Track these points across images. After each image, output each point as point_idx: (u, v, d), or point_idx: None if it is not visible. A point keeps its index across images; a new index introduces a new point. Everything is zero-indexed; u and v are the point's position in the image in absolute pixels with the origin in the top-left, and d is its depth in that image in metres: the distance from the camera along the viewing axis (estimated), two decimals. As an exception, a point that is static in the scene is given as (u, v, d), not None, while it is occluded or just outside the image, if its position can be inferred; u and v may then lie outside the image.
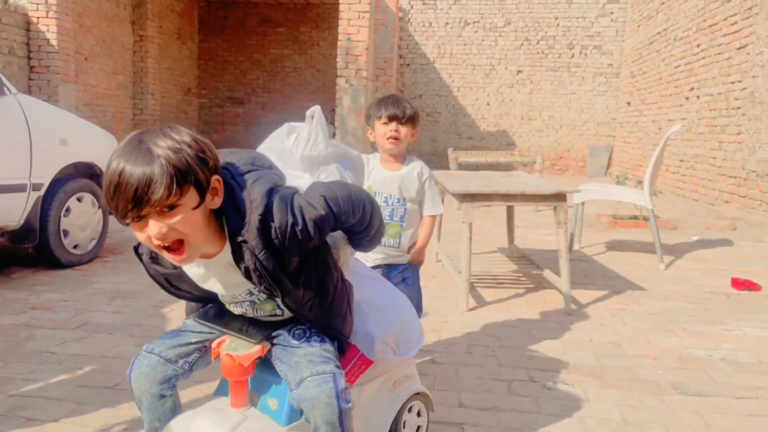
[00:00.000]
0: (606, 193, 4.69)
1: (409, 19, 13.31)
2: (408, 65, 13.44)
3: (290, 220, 1.14)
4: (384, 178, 2.17)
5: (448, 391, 2.21)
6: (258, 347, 1.27)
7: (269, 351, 1.31)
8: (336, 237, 1.41)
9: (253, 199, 1.13)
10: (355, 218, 1.28)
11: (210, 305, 1.42)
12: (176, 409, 1.38)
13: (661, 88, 9.84)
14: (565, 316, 3.13)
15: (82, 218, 3.98)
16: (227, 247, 1.17)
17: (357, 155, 1.67)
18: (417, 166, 2.21)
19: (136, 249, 1.29)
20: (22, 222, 3.61)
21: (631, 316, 3.16)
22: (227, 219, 1.14)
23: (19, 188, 3.52)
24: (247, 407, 1.32)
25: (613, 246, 5.08)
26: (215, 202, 1.12)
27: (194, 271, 1.27)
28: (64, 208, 3.84)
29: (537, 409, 2.08)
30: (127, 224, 1.07)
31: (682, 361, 2.56)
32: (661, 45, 9.97)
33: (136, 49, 11.66)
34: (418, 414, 1.70)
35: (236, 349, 1.26)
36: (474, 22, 13.13)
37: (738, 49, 7.06)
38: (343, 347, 1.39)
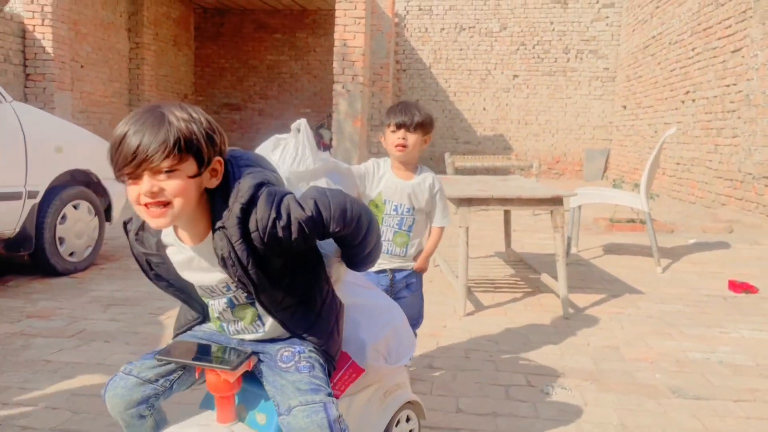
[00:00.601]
0: (603, 196, 4.70)
1: (405, 24, 13.35)
2: (404, 70, 13.47)
3: (273, 215, 1.14)
4: (396, 187, 2.14)
5: (446, 396, 2.20)
6: (245, 362, 1.22)
7: (255, 365, 1.26)
8: (330, 254, 1.39)
9: (241, 188, 1.14)
10: (346, 229, 1.24)
11: (183, 334, 1.39)
12: (159, 427, 1.33)
13: (656, 92, 9.87)
14: (563, 320, 3.13)
15: (78, 226, 3.97)
16: (208, 237, 1.18)
17: (347, 168, 1.65)
18: (429, 177, 2.19)
19: (125, 224, 1.29)
20: (17, 230, 3.59)
21: (628, 320, 3.16)
22: (214, 204, 1.15)
23: (15, 196, 3.51)
24: (234, 422, 1.27)
25: (610, 249, 5.08)
26: (212, 182, 1.15)
27: (176, 257, 1.26)
28: (60, 216, 3.82)
29: (535, 414, 2.07)
30: (123, 180, 1.10)
31: (679, 365, 2.55)
32: (656, 49, 10.01)
33: (132, 57, 11.67)
34: (407, 420, 1.68)
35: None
36: (470, 27, 13.17)
37: (733, 52, 7.09)
38: (330, 371, 1.34)
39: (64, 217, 3.86)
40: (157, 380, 1.28)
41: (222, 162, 1.16)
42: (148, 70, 11.80)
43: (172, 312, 3.14)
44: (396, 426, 1.61)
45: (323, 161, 1.49)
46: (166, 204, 1.10)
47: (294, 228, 1.15)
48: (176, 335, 1.43)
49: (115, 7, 11.12)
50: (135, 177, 1.08)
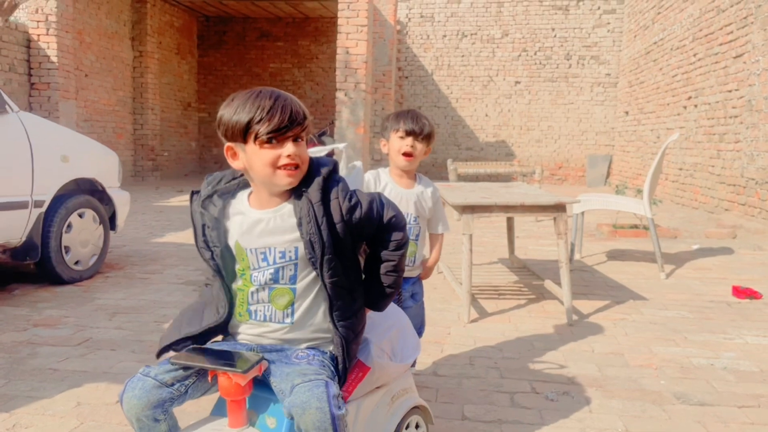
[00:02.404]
0: (605, 202, 4.70)
1: (407, 32, 13.40)
2: (406, 77, 13.51)
3: (351, 193, 1.36)
4: (401, 196, 2.10)
5: (451, 403, 2.21)
6: (255, 366, 1.26)
7: (266, 370, 1.30)
8: None
9: (322, 163, 1.37)
10: (397, 219, 1.42)
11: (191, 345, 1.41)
12: None
13: (658, 97, 9.88)
14: (567, 327, 3.13)
15: (83, 234, 4.00)
16: (287, 202, 1.35)
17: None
18: (429, 185, 2.19)
19: (193, 193, 1.43)
20: (23, 239, 3.62)
21: (632, 326, 3.16)
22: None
23: (21, 205, 3.53)
24: (245, 427, 1.30)
25: (614, 255, 5.09)
26: None
27: (243, 219, 1.37)
28: (66, 225, 3.85)
29: (540, 421, 2.08)
30: (265, 141, 1.28)
31: (683, 371, 2.56)
32: (658, 54, 10.03)
33: (135, 65, 11.74)
34: (417, 426, 1.70)
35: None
36: (471, 34, 13.22)
37: (734, 57, 7.11)
38: (341, 381, 1.38)
39: (69, 226, 3.88)
40: (173, 384, 1.31)
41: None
42: (151, 78, 11.85)
43: (177, 320, 3.15)
44: (406, 429, 1.63)
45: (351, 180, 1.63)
46: (297, 167, 1.30)
47: (365, 204, 1.36)
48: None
49: (118, 16, 11.20)
50: (279, 142, 1.29)
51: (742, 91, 6.87)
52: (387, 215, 1.40)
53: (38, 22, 8.54)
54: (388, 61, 10.93)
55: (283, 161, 1.28)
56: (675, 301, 3.68)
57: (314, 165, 1.36)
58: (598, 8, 12.74)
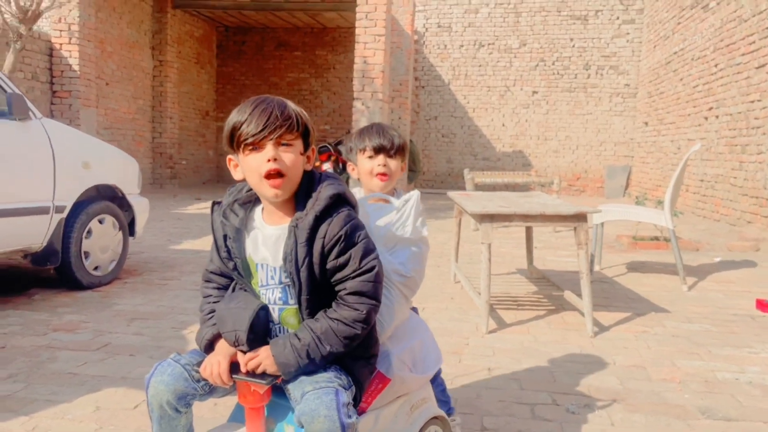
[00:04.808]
0: (626, 213, 4.64)
1: (424, 41, 13.43)
2: (423, 87, 13.53)
3: (341, 234, 1.26)
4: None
5: (470, 414, 2.18)
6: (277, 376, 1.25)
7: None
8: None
9: (320, 196, 1.29)
10: (367, 298, 1.30)
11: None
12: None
13: (679, 108, 9.79)
14: (587, 339, 3.08)
15: (103, 240, 4.02)
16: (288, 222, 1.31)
17: (426, 248, 1.62)
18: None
19: (214, 204, 1.42)
20: (44, 244, 3.65)
21: (654, 339, 3.11)
22: (297, 202, 1.31)
23: (43, 210, 3.57)
24: None
25: (634, 267, 5.02)
26: (306, 165, 1.33)
27: (254, 232, 1.35)
28: (86, 230, 3.88)
29: (561, 434, 2.04)
30: (247, 146, 1.26)
31: (708, 385, 2.50)
32: (678, 65, 9.94)
33: (155, 74, 11.87)
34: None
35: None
36: (489, 44, 13.21)
37: (757, 68, 7.02)
38: (357, 400, 1.34)
39: (89, 232, 3.91)
40: (199, 380, 1.31)
41: (314, 151, 1.36)
42: (171, 87, 11.98)
43: (194, 327, 3.15)
44: None
45: (417, 231, 1.56)
46: (282, 175, 1.25)
47: (343, 257, 1.27)
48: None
49: (139, 26, 11.35)
50: (259, 147, 1.25)
51: (765, 101, 6.78)
52: (353, 287, 1.27)
53: (61, 31, 8.67)
54: (405, 71, 10.95)
55: (265, 168, 1.24)
56: (698, 314, 3.61)
57: (320, 188, 1.30)
58: (617, 18, 12.68)
